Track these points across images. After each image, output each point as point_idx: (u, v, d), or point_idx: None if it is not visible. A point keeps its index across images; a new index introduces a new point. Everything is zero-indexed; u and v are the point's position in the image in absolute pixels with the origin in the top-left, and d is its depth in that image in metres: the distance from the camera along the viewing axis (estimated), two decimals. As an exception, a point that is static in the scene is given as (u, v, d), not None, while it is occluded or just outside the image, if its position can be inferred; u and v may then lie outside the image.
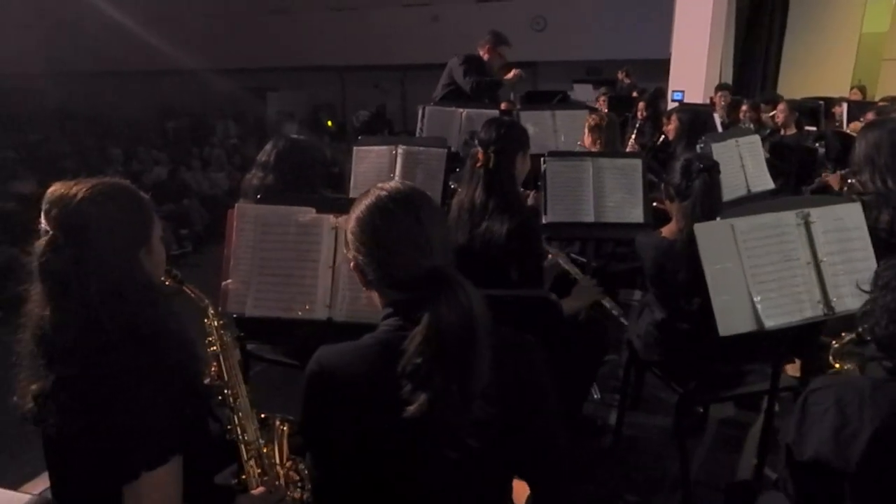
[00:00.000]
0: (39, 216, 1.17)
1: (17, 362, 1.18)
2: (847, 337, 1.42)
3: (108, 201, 1.17)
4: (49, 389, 1.12)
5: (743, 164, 3.43)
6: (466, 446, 1.10)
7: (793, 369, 2.66)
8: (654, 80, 7.92)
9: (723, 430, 2.76)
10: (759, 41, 8.91)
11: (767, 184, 3.54)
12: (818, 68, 8.72)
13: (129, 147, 11.24)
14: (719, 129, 4.38)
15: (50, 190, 1.18)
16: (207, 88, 14.31)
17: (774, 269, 1.90)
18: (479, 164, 2.26)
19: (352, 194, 3.22)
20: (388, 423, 1.08)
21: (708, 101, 6.58)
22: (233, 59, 13.65)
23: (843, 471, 1.21)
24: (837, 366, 1.45)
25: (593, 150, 3.36)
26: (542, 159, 3.00)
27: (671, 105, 6.47)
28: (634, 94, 7.26)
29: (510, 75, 4.51)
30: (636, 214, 2.94)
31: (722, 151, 3.29)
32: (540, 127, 3.90)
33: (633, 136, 4.84)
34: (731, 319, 1.85)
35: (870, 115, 4.47)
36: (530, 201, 3.17)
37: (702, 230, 1.92)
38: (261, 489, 1.33)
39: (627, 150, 4.43)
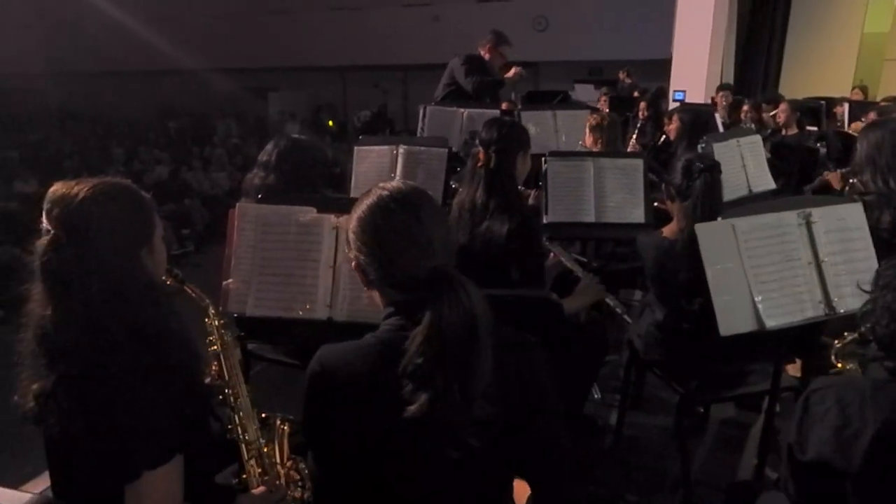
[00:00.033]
0: (41, 216, 1.17)
1: (18, 362, 1.18)
2: (850, 337, 1.42)
3: (110, 201, 1.17)
4: (50, 389, 1.12)
5: (744, 164, 3.43)
6: (467, 446, 1.10)
7: (794, 369, 2.66)
8: (655, 80, 7.91)
9: (723, 430, 2.76)
10: (760, 41, 8.91)
11: (769, 184, 3.54)
12: (820, 68, 8.71)
13: (131, 147, 11.26)
14: (720, 129, 4.38)
15: (51, 189, 1.18)
16: (209, 88, 14.34)
17: (776, 269, 1.90)
18: (480, 164, 2.26)
19: (353, 194, 3.22)
20: (390, 423, 1.08)
21: (709, 101, 6.58)
22: (234, 59, 13.66)
23: (845, 471, 1.20)
24: (840, 365, 1.45)
25: (594, 150, 3.36)
26: (543, 159, 3.01)
27: (672, 105, 6.46)
28: (635, 94, 7.25)
29: (511, 73, 4.50)
30: (637, 214, 2.94)
31: (723, 151, 3.28)
32: (541, 127, 3.90)
33: (635, 137, 4.84)
34: (732, 319, 1.85)
35: (871, 116, 4.46)
36: (531, 200, 3.16)
37: (703, 230, 1.91)
38: (261, 489, 1.33)
39: (628, 150, 4.43)
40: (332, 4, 13.97)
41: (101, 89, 13.98)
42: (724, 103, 5.89)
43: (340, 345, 1.17)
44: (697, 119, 3.94)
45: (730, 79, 8.06)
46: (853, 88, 7.41)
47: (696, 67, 7.10)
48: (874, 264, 1.87)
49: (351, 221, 1.18)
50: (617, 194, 2.96)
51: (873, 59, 9.07)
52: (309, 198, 2.18)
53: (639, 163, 3.02)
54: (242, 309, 2.10)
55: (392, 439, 1.12)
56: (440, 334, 1.04)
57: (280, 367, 2.49)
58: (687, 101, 6.90)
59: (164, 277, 1.30)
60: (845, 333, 1.45)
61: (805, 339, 2.15)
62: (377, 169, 3.26)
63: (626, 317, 2.39)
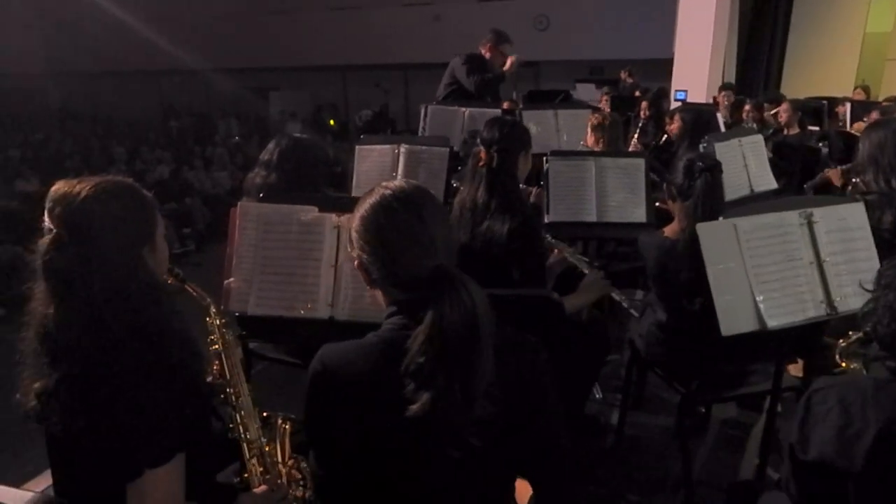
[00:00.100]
0: (43, 215, 1.17)
1: (20, 360, 1.18)
2: (854, 336, 1.41)
3: (112, 200, 1.17)
4: (52, 387, 1.12)
5: (746, 163, 3.43)
6: (469, 445, 1.10)
7: (795, 369, 2.66)
8: (656, 79, 7.90)
9: (725, 430, 2.76)
10: (762, 40, 8.90)
11: (770, 184, 3.54)
12: (822, 68, 8.70)
13: (132, 146, 11.28)
14: (722, 128, 4.37)
15: (53, 188, 1.18)
16: (210, 88, 14.36)
17: (777, 268, 1.90)
18: (481, 164, 2.26)
19: (354, 193, 3.22)
20: (391, 422, 1.08)
21: (711, 101, 6.57)
22: (235, 59, 13.68)
23: (847, 471, 1.20)
24: (844, 365, 1.45)
25: (596, 149, 3.36)
26: (544, 158, 3.00)
27: (674, 105, 6.46)
28: (637, 93, 7.25)
29: (508, 65, 4.49)
30: (639, 214, 2.94)
31: (725, 151, 3.28)
32: (542, 126, 3.90)
33: (636, 136, 4.83)
34: (733, 319, 1.85)
35: (874, 115, 4.45)
36: (532, 199, 3.16)
37: (704, 230, 1.91)
38: (263, 487, 1.33)
39: (630, 149, 4.42)
40: (333, 4, 13.97)
41: (102, 89, 14.01)
42: (726, 103, 5.89)
43: (342, 344, 1.17)
44: (699, 119, 3.93)
45: (731, 78, 8.05)
46: (855, 88, 7.40)
47: (698, 67, 7.10)
48: (876, 264, 1.86)
49: (354, 220, 1.18)
50: (618, 194, 2.96)
51: (875, 58, 9.06)
52: (310, 197, 2.18)
53: (640, 162, 3.02)
54: (244, 308, 2.10)
55: (394, 438, 1.12)
56: (442, 333, 1.04)
57: (281, 366, 2.49)
58: (688, 100, 6.90)
59: (165, 276, 1.30)
60: (850, 333, 1.45)
61: (806, 339, 2.15)
62: (378, 168, 3.26)
63: (633, 311, 2.37)
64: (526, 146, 2.35)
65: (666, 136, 4.58)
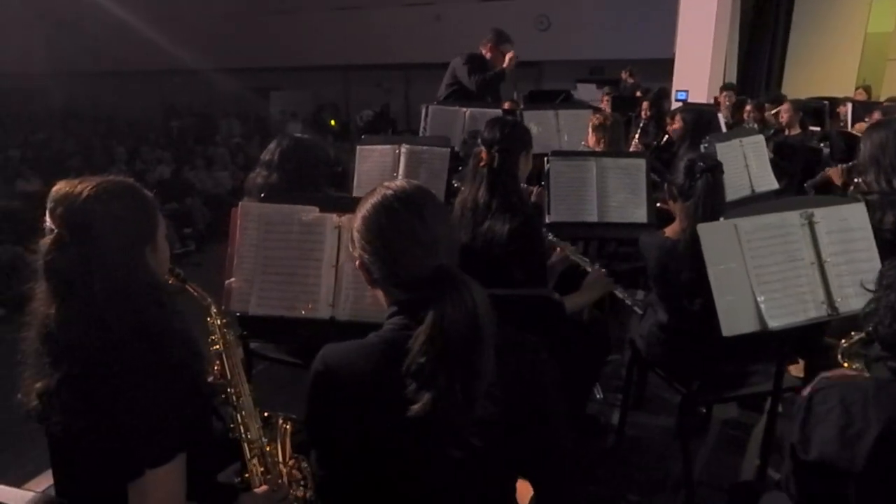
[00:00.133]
0: (44, 215, 1.17)
1: (22, 360, 1.19)
2: (856, 336, 1.41)
3: (113, 200, 1.17)
4: (54, 387, 1.12)
5: (747, 164, 3.43)
6: (470, 445, 1.10)
7: (796, 370, 2.65)
8: (657, 79, 7.89)
9: (726, 431, 2.76)
10: (763, 40, 8.90)
11: (771, 184, 3.54)
12: (823, 68, 8.69)
13: (133, 146, 11.28)
14: (723, 129, 4.37)
15: (55, 188, 1.18)
16: (211, 88, 14.36)
17: (778, 269, 1.90)
18: (482, 164, 2.26)
19: (355, 193, 3.22)
20: (392, 422, 1.08)
21: (712, 101, 6.57)
22: (236, 59, 13.68)
23: (848, 471, 1.20)
24: (846, 365, 1.45)
25: (597, 149, 3.36)
26: (545, 159, 3.00)
27: (675, 105, 6.46)
28: (638, 93, 7.25)
29: (507, 62, 4.49)
30: (639, 214, 2.94)
31: (726, 151, 3.28)
32: (543, 126, 3.90)
33: (637, 136, 4.83)
34: (734, 320, 1.85)
35: (876, 115, 4.45)
36: (533, 198, 3.16)
37: (705, 230, 1.91)
38: (264, 487, 1.33)
39: (631, 150, 4.42)
40: (334, 4, 13.97)
41: (103, 89, 14.01)
42: (727, 103, 5.89)
43: (344, 344, 1.17)
44: (700, 119, 3.93)
45: (732, 79, 8.05)
46: (856, 88, 7.40)
47: (699, 67, 7.10)
48: (877, 265, 1.86)
49: (355, 220, 1.18)
50: (619, 194, 2.96)
51: (877, 59, 9.05)
52: (311, 197, 2.19)
53: (641, 163, 3.02)
54: (245, 308, 2.10)
55: (395, 438, 1.12)
56: (443, 333, 1.04)
57: (282, 367, 2.49)
58: (689, 100, 6.90)
59: (166, 276, 1.30)
60: (852, 333, 1.44)
61: (807, 340, 2.14)
62: (379, 168, 3.26)
63: (636, 308, 2.36)
64: (527, 146, 2.35)
65: (667, 136, 4.59)
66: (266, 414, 1.42)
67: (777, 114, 5.29)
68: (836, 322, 1.92)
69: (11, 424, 1.25)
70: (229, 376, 1.36)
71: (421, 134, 4.13)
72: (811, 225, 1.94)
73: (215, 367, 1.37)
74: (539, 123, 3.85)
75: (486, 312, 1.07)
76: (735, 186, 3.24)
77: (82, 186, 1.17)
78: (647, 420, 2.80)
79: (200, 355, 1.25)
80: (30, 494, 1.32)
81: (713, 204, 2.15)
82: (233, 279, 2.14)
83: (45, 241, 1.15)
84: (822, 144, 4.78)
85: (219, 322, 1.39)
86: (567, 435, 1.24)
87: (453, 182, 3.16)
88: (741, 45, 8.71)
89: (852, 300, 1.88)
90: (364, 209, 1.17)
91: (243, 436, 1.35)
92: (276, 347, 2.48)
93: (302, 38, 13.68)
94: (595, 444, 2.68)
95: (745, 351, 2.09)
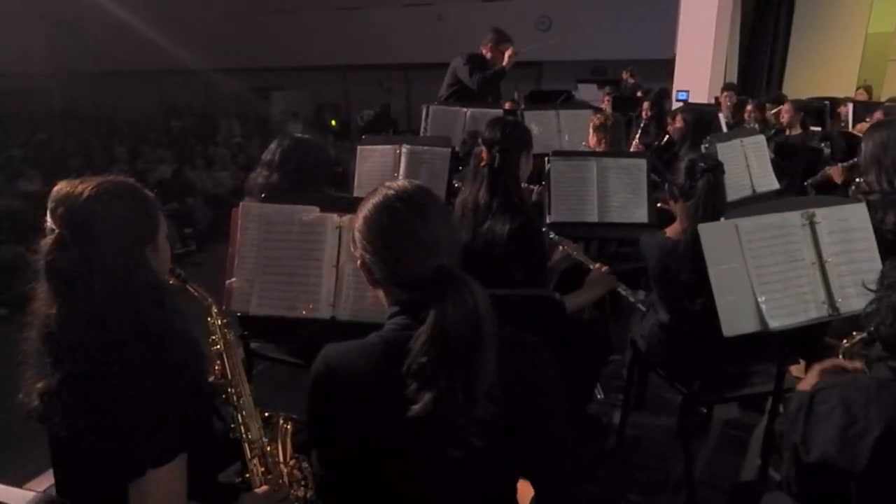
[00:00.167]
0: (45, 215, 1.17)
1: (23, 360, 1.19)
2: (858, 336, 1.41)
3: (114, 200, 1.17)
4: (55, 387, 1.13)
5: (748, 164, 3.43)
6: (470, 446, 1.10)
7: (797, 370, 2.65)
8: (658, 79, 7.89)
9: (727, 431, 2.76)
10: (764, 41, 8.89)
11: (772, 184, 3.54)
12: (824, 68, 8.68)
13: (134, 146, 11.29)
14: (724, 129, 4.37)
15: (56, 188, 1.18)
16: (211, 88, 14.37)
17: (779, 269, 1.90)
18: (483, 164, 2.26)
19: (355, 193, 3.23)
20: (393, 422, 1.08)
21: (713, 101, 6.57)
22: (236, 59, 13.68)
23: (849, 470, 1.20)
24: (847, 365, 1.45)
25: (598, 149, 3.35)
26: (546, 159, 3.00)
27: (676, 105, 6.45)
28: (639, 93, 7.25)
29: (506, 60, 4.48)
30: (640, 214, 2.94)
31: (727, 151, 3.28)
32: (544, 127, 3.90)
33: (638, 136, 4.83)
34: (735, 320, 1.84)
35: (878, 115, 4.45)
36: (534, 197, 3.16)
37: (706, 230, 1.91)
38: (265, 487, 1.33)
39: (632, 150, 4.42)
40: (334, 4, 13.98)
41: (103, 89, 14.01)
42: (728, 103, 5.88)
43: (345, 344, 1.17)
44: (701, 119, 3.93)
45: (733, 79, 8.04)
46: (857, 88, 7.40)
47: (700, 67, 7.10)
48: (878, 265, 1.86)
49: (357, 220, 1.18)
50: (620, 194, 2.96)
51: (877, 59, 9.04)
52: (312, 197, 2.18)
53: (642, 163, 3.02)
54: (246, 308, 2.10)
55: (395, 438, 1.12)
56: (444, 333, 1.04)
57: (283, 367, 2.49)
58: (690, 100, 6.90)
59: (166, 276, 1.30)
60: (853, 333, 1.44)
61: (808, 340, 2.14)
62: (380, 168, 3.26)
63: (639, 305, 2.34)
64: (527, 146, 2.35)
65: (667, 136, 4.58)
66: (267, 414, 1.42)
67: (778, 114, 5.29)
68: (837, 322, 1.92)
69: (12, 424, 1.25)
70: (230, 376, 1.37)
71: (422, 134, 4.13)
72: (812, 225, 1.94)
73: (216, 367, 1.37)
74: (540, 123, 3.85)
75: (488, 312, 1.07)
76: (736, 186, 3.24)
77: (83, 186, 1.17)
78: (648, 420, 2.79)
79: (201, 355, 1.25)
80: (31, 494, 1.32)
81: (714, 204, 2.15)
82: (233, 279, 2.14)
83: (46, 241, 1.15)
84: (822, 144, 4.78)
85: (219, 322, 1.39)
86: (567, 435, 1.24)
87: (454, 182, 3.16)
88: (742, 45, 8.71)
89: (853, 300, 1.88)
90: (366, 209, 1.17)
91: (244, 436, 1.35)
92: (276, 347, 2.48)
93: (302, 38, 13.68)
94: (596, 445, 2.68)
95: (746, 351, 2.09)
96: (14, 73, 13.34)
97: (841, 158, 4.36)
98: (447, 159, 3.22)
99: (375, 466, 1.16)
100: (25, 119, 13.56)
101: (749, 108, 5.63)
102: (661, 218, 2.81)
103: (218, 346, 1.38)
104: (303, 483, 1.37)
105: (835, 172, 3.96)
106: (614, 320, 3.03)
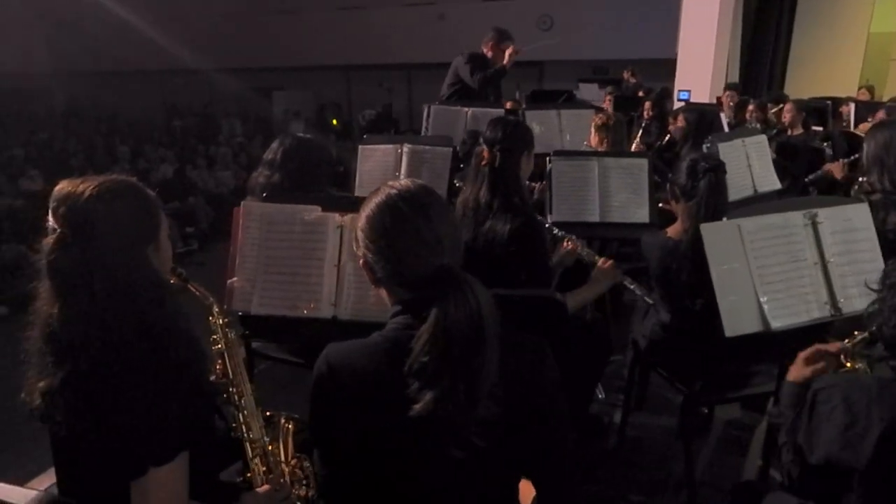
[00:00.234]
0: (47, 214, 1.17)
1: (25, 359, 1.19)
2: (859, 336, 1.41)
3: (116, 199, 1.17)
4: (57, 387, 1.13)
5: (749, 164, 3.43)
6: (472, 446, 1.10)
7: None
8: (659, 79, 7.89)
9: (728, 431, 2.75)
10: (766, 40, 8.88)
11: (774, 184, 3.53)
12: (826, 68, 8.67)
13: (136, 145, 11.30)
14: (726, 128, 4.37)
15: (57, 188, 1.18)
16: (213, 88, 14.38)
17: (781, 269, 1.90)
18: (484, 163, 2.26)
19: (357, 193, 3.23)
20: (395, 422, 1.08)
21: (714, 101, 6.56)
22: (238, 59, 13.69)
23: (851, 469, 1.20)
24: (848, 365, 1.45)
25: (600, 149, 3.35)
26: (547, 159, 3.00)
27: (677, 104, 6.45)
28: (640, 93, 7.24)
29: (507, 59, 4.48)
30: (642, 214, 2.94)
31: (728, 151, 3.28)
32: (545, 126, 3.90)
33: (639, 136, 4.83)
34: (737, 320, 1.84)
35: (880, 115, 4.44)
36: (536, 195, 3.16)
37: (708, 230, 1.91)
38: (266, 487, 1.33)
39: (633, 149, 4.42)
40: (335, 4, 13.97)
41: (105, 89, 14.03)
42: (730, 103, 5.88)
43: (347, 343, 1.17)
44: (702, 119, 3.93)
45: (735, 79, 8.03)
46: (859, 88, 7.38)
47: (702, 67, 7.09)
48: (880, 265, 1.86)
49: (359, 220, 1.18)
50: (621, 194, 2.95)
51: (880, 58, 9.04)
52: (314, 196, 2.18)
53: (643, 162, 3.02)
54: (247, 307, 2.10)
55: (397, 438, 1.12)
56: (446, 333, 1.04)
57: (284, 366, 2.49)
58: (692, 100, 6.89)
59: (168, 276, 1.30)
60: (855, 332, 1.44)
61: (810, 340, 2.13)
62: (381, 168, 3.26)
63: (646, 298, 2.31)
64: (529, 146, 2.34)
65: (669, 136, 4.58)
66: (268, 413, 1.42)
67: (780, 114, 5.28)
68: (839, 322, 1.91)
69: (14, 423, 1.25)
70: (231, 376, 1.37)
71: (423, 134, 4.13)
72: (814, 225, 1.94)
73: (217, 367, 1.37)
74: (541, 123, 3.85)
75: (490, 312, 1.07)
76: (737, 186, 3.24)
77: (85, 186, 1.17)
78: (649, 420, 2.79)
79: (203, 354, 1.25)
80: (33, 493, 1.32)
81: (716, 204, 2.14)
82: (235, 278, 2.14)
83: (48, 241, 1.15)
84: (824, 144, 4.77)
85: (221, 321, 1.39)
86: (568, 435, 1.24)
87: (455, 182, 3.16)
88: (744, 45, 8.70)
89: (855, 301, 1.88)
90: (368, 208, 1.17)
91: (245, 435, 1.35)
92: (278, 347, 2.48)
93: (303, 37, 13.69)
94: (597, 445, 2.68)
95: (747, 351, 2.08)
96: (15, 72, 13.36)
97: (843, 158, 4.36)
98: (448, 159, 3.22)
99: (377, 466, 1.16)
100: (26, 119, 13.58)
101: (751, 107, 5.62)
102: (663, 218, 2.81)
103: (219, 346, 1.38)
104: (304, 482, 1.38)
105: (835, 168, 3.95)
106: (615, 320, 3.03)
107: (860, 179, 2.57)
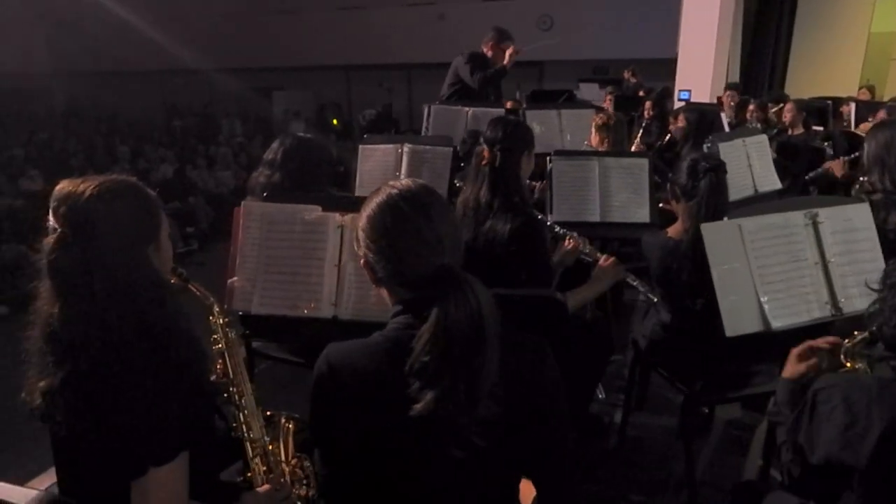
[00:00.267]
0: (47, 214, 1.17)
1: (25, 359, 1.19)
2: (859, 336, 1.42)
3: (116, 199, 1.17)
4: (57, 386, 1.12)
5: (750, 163, 3.43)
6: (472, 445, 1.10)
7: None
8: (660, 79, 7.89)
9: (729, 431, 2.75)
10: (766, 40, 8.88)
11: (775, 184, 3.53)
12: (826, 68, 8.67)
13: (136, 145, 11.30)
14: (726, 128, 4.37)
15: (58, 187, 1.18)
16: (213, 88, 14.38)
17: (782, 269, 1.90)
18: (484, 163, 2.26)
19: (357, 193, 3.23)
20: (395, 422, 1.08)
21: (715, 101, 6.56)
22: (238, 59, 13.69)
23: (852, 469, 1.20)
24: (849, 365, 1.45)
25: (601, 149, 3.35)
26: (548, 158, 3.00)
27: (678, 104, 6.45)
28: (641, 93, 7.24)
29: (507, 59, 4.48)
30: (642, 214, 2.94)
31: (729, 151, 3.28)
32: (546, 126, 3.90)
33: (639, 136, 4.82)
34: (738, 320, 1.84)
35: (881, 114, 4.44)
36: (537, 194, 3.16)
37: (709, 230, 1.91)
38: (266, 486, 1.33)
39: (633, 149, 4.42)
40: (335, 4, 13.97)
41: (105, 89, 14.04)
42: (730, 103, 5.88)
43: (347, 343, 1.17)
44: (703, 119, 3.93)
45: (735, 78, 8.03)
46: (860, 88, 7.37)
47: (702, 67, 7.08)
48: (881, 265, 1.86)
49: (360, 219, 1.18)
50: (622, 194, 2.95)
51: (880, 58, 9.03)
52: (314, 196, 2.18)
53: (644, 162, 3.02)
54: (248, 307, 2.10)
55: (397, 438, 1.12)
56: (446, 332, 1.04)
57: (285, 366, 2.49)
58: (692, 100, 6.89)
59: (168, 276, 1.30)
60: (855, 332, 1.45)
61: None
62: (382, 168, 3.26)
63: (649, 294, 2.31)
64: (529, 146, 2.34)
65: (670, 136, 4.58)
66: (268, 413, 1.42)
67: (780, 113, 5.28)
68: (839, 322, 1.91)
69: (15, 423, 1.25)
70: (232, 375, 1.36)
71: (423, 133, 4.13)
72: (815, 225, 1.94)
73: (218, 367, 1.37)
74: (542, 123, 3.85)
75: (490, 312, 1.07)
76: (738, 186, 3.24)
77: (85, 185, 1.17)
78: (650, 420, 2.79)
79: (203, 354, 1.25)
80: (33, 492, 1.32)
81: (716, 204, 2.14)
82: (235, 278, 2.14)
83: (49, 240, 1.15)
84: (825, 144, 4.77)
85: (221, 321, 1.39)
86: (569, 435, 1.24)
87: (455, 181, 3.16)
88: (744, 45, 8.70)
89: (856, 300, 1.88)
90: (369, 208, 1.17)
91: (246, 435, 1.35)
92: (278, 346, 2.48)
93: (303, 37, 13.69)
94: (597, 445, 2.68)
95: (748, 351, 2.08)
96: (15, 72, 13.37)
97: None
98: (449, 159, 3.22)
99: (377, 465, 1.16)
100: (26, 119, 13.59)
101: (751, 107, 5.62)
102: (663, 218, 2.81)
103: (220, 346, 1.38)
104: (304, 482, 1.38)
105: (836, 166, 3.95)
106: (616, 320, 3.03)
107: (861, 179, 2.57)
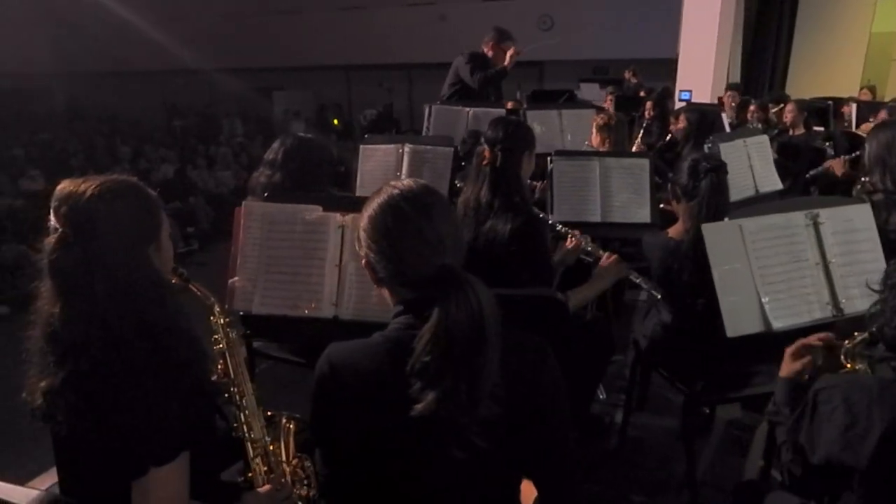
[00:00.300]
0: (48, 213, 1.17)
1: (26, 359, 1.19)
2: (859, 337, 1.42)
3: (117, 198, 1.17)
4: (58, 386, 1.13)
5: (751, 164, 3.42)
6: (473, 446, 1.10)
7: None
8: (660, 79, 7.89)
9: (730, 432, 2.75)
10: (767, 40, 8.88)
11: (776, 184, 3.53)
12: (827, 68, 8.67)
13: (137, 145, 11.31)
14: (727, 129, 4.36)
15: (59, 187, 1.18)
16: (214, 88, 14.39)
17: (783, 269, 1.90)
18: (485, 163, 2.26)
19: (358, 193, 3.23)
20: (396, 422, 1.08)
21: (716, 101, 6.56)
22: (238, 59, 13.70)
23: (853, 469, 1.20)
24: (849, 366, 1.45)
25: (602, 149, 3.35)
26: (548, 158, 3.00)
27: (679, 105, 6.44)
28: (641, 93, 7.24)
29: (508, 59, 4.48)
30: (643, 214, 2.94)
31: (730, 151, 3.28)
32: (546, 126, 3.90)
33: (640, 136, 4.82)
34: (738, 320, 1.84)
35: (882, 115, 4.44)
36: (537, 194, 3.16)
37: (710, 230, 1.91)
38: (267, 487, 1.33)
39: (634, 149, 4.41)
40: (336, 4, 13.97)
41: (106, 89, 14.05)
42: (731, 103, 5.87)
43: (349, 343, 1.17)
44: (704, 119, 3.93)
45: (736, 79, 8.03)
46: (861, 88, 7.37)
47: (703, 67, 7.08)
48: (882, 265, 1.86)
49: (362, 220, 1.18)
50: (623, 194, 2.95)
51: (881, 58, 9.02)
52: (315, 196, 2.19)
53: (645, 162, 3.02)
54: (248, 307, 2.10)
55: (398, 438, 1.12)
56: (447, 332, 1.04)
57: (286, 366, 2.49)
58: (693, 100, 6.89)
59: (169, 275, 1.30)
60: (855, 333, 1.45)
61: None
62: (383, 168, 3.26)
63: (653, 291, 2.29)
64: (530, 146, 2.34)
65: (670, 136, 4.58)
66: (269, 413, 1.42)
67: (781, 114, 5.28)
68: (840, 323, 1.91)
69: (15, 423, 1.25)
70: (232, 375, 1.36)
71: (424, 133, 4.13)
72: (816, 225, 1.94)
73: (219, 367, 1.37)
74: (542, 123, 3.85)
75: (491, 312, 1.07)
76: (739, 187, 3.24)
77: (86, 185, 1.17)
78: (651, 420, 2.79)
79: (204, 354, 1.25)
80: (34, 492, 1.33)
81: (717, 204, 2.14)
82: (236, 278, 2.14)
83: (50, 240, 1.16)
84: (826, 144, 4.77)
85: (222, 321, 1.39)
86: (570, 435, 1.24)
87: (456, 181, 3.16)
88: (745, 45, 8.70)
89: (857, 301, 1.88)
90: (371, 208, 1.17)
91: (247, 435, 1.35)
92: (279, 346, 2.48)
93: (304, 37, 13.69)
94: (598, 445, 2.68)
95: (748, 351, 2.08)
96: (16, 73, 13.39)
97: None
98: (449, 159, 3.22)
99: (378, 466, 1.16)
100: (27, 119, 13.60)
101: (752, 107, 5.62)
102: (664, 218, 2.81)
103: (220, 346, 1.38)
104: (305, 482, 1.38)
105: (836, 165, 3.95)
106: (617, 320, 3.03)
107: (862, 179, 2.57)
